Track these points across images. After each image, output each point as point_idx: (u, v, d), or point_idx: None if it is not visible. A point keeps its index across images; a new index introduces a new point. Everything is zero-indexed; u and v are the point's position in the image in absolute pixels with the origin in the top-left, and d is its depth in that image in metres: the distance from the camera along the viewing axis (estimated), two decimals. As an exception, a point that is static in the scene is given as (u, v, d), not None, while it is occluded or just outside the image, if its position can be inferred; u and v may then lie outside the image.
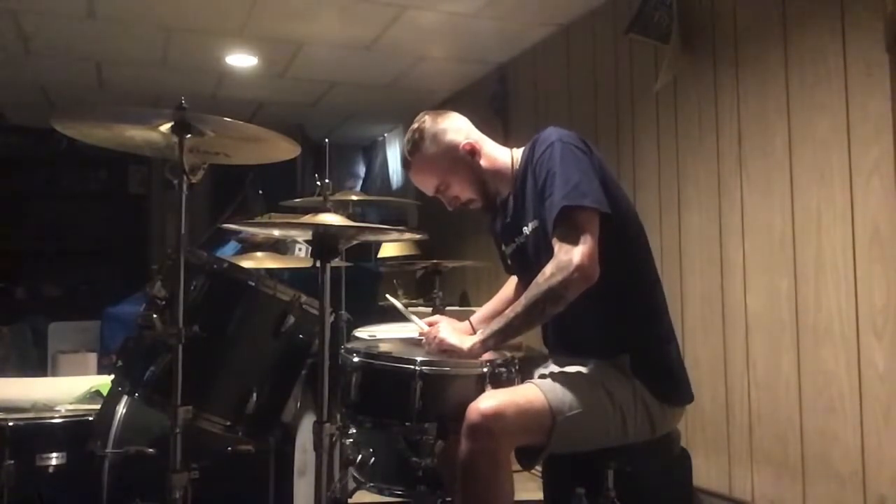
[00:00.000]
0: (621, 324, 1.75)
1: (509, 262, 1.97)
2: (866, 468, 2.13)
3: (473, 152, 1.86)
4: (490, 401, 1.57)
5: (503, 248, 1.97)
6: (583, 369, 1.71)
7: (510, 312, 1.69)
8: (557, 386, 1.64)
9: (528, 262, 1.81)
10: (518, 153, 1.88)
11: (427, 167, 1.88)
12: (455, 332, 1.79)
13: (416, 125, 1.90)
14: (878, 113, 2.11)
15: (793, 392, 2.37)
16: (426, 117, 1.90)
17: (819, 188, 2.29)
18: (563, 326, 1.82)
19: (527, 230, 1.81)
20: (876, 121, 2.12)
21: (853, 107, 2.19)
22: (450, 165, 1.87)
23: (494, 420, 1.54)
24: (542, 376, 1.72)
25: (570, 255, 1.59)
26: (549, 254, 1.65)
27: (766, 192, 2.48)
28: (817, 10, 2.30)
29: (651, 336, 1.76)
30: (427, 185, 1.91)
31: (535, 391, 1.62)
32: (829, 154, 2.26)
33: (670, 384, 1.74)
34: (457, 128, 1.89)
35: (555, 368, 1.78)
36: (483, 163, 1.88)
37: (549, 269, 1.62)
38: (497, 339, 1.71)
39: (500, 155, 1.91)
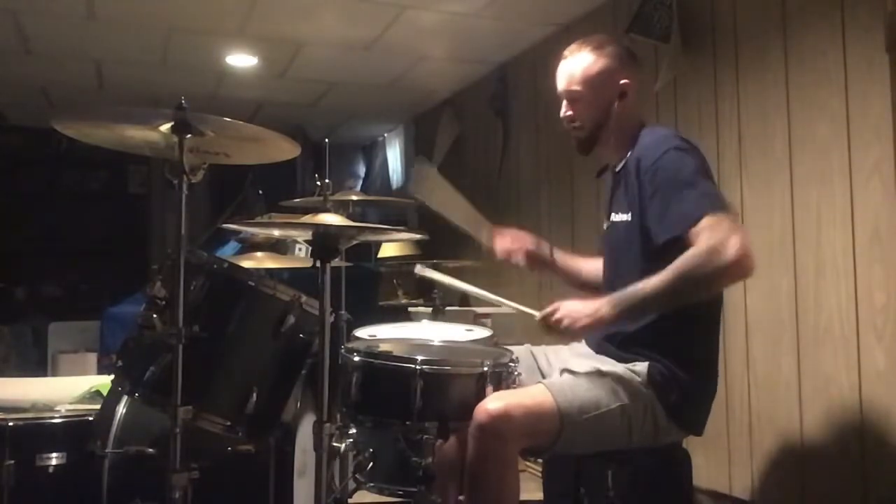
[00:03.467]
0: (668, 332, 1.71)
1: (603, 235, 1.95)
2: (866, 468, 2.13)
3: (623, 94, 1.83)
4: (498, 402, 1.56)
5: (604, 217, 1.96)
6: (599, 372, 1.69)
7: (647, 290, 1.58)
8: (568, 389, 1.63)
9: (611, 248, 1.82)
10: (642, 134, 1.81)
11: (579, 70, 1.84)
12: (577, 307, 1.65)
13: (605, 37, 1.89)
14: (878, 113, 2.11)
15: (793, 392, 2.37)
16: (611, 37, 1.90)
17: (819, 188, 2.29)
18: None
19: (616, 218, 1.81)
20: (876, 121, 2.11)
21: (853, 107, 2.19)
22: (597, 84, 1.83)
23: (502, 421, 1.53)
24: (555, 377, 1.71)
25: (727, 245, 1.51)
26: (635, 253, 1.68)
27: (766, 192, 2.48)
28: (817, 10, 2.30)
29: (690, 354, 1.72)
30: (564, 82, 1.86)
31: (545, 393, 1.61)
32: (829, 154, 2.26)
33: (687, 409, 1.71)
34: (628, 68, 1.86)
35: (573, 365, 1.76)
36: (620, 110, 1.84)
37: (699, 254, 1.53)
38: (628, 316, 1.63)
39: (634, 120, 1.87)
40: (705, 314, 1.77)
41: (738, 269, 1.53)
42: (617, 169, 1.86)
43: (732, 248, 1.51)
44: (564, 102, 1.88)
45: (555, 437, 1.58)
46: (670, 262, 1.57)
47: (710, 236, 1.54)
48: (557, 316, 1.64)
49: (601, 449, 1.67)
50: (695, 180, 1.63)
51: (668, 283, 1.55)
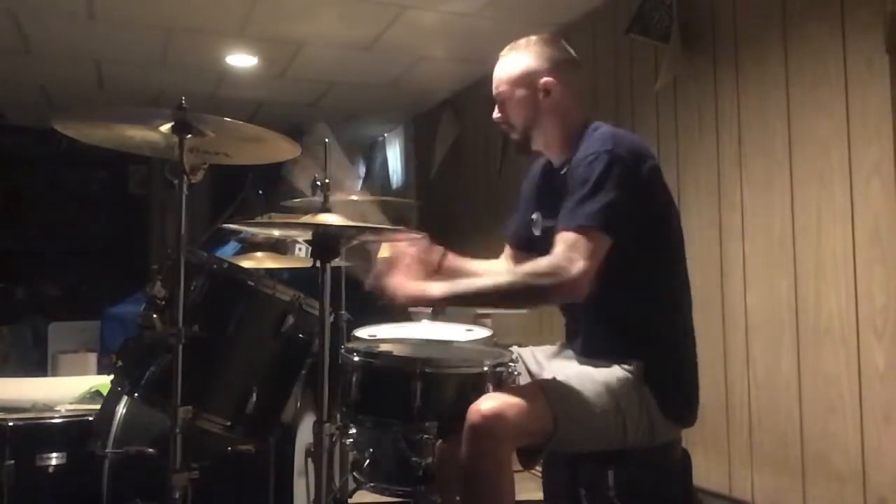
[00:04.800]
0: (642, 332, 1.72)
1: (534, 231, 1.93)
2: (866, 468, 2.13)
3: (546, 91, 1.80)
4: (491, 402, 1.56)
5: (534, 214, 1.92)
6: (592, 371, 1.69)
7: (481, 283, 1.67)
8: (561, 388, 1.63)
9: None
10: (588, 134, 1.77)
11: (505, 71, 1.84)
12: (408, 280, 1.73)
13: (537, 36, 1.86)
14: (878, 113, 2.11)
15: (793, 392, 2.37)
16: (548, 37, 1.87)
17: (819, 188, 2.29)
18: (584, 323, 1.80)
19: (551, 224, 1.78)
20: (876, 121, 2.12)
21: (853, 107, 2.19)
22: (519, 83, 1.82)
23: (496, 421, 1.53)
24: (547, 377, 1.71)
25: (572, 265, 1.56)
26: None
27: (766, 192, 2.48)
28: (817, 10, 2.30)
29: (669, 348, 1.73)
30: (495, 83, 1.86)
31: (538, 393, 1.61)
32: (829, 154, 2.26)
33: (679, 401, 1.71)
34: (556, 66, 1.82)
35: (565, 365, 1.76)
36: (548, 107, 1.81)
37: (543, 266, 1.59)
38: (455, 301, 1.69)
39: (573, 120, 1.82)
40: (671, 305, 1.77)
41: (571, 290, 1.58)
42: (562, 171, 1.82)
43: (576, 268, 1.56)
44: (496, 103, 1.87)
45: (548, 436, 1.58)
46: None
47: (564, 251, 1.58)
48: (387, 284, 1.71)
49: (596, 448, 1.67)
50: (600, 190, 1.61)
51: (506, 285, 1.62)
